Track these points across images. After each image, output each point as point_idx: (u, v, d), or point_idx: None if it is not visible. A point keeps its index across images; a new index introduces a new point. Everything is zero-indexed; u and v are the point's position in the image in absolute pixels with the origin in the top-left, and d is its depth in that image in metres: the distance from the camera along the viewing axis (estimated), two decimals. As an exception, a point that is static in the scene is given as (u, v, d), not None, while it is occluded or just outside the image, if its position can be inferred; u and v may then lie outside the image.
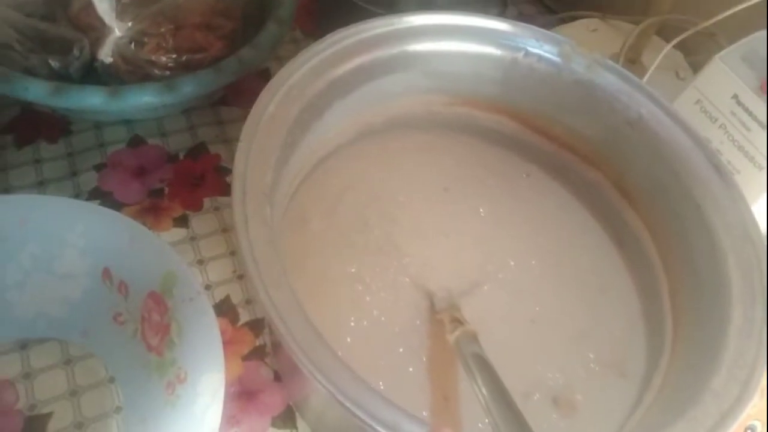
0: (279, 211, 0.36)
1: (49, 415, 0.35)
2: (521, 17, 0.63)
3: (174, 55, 0.40)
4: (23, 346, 0.37)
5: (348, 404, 0.25)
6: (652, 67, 0.45)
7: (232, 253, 0.42)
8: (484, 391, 0.30)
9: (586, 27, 0.54)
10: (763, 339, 0.29)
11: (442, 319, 0.35)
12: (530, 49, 0.39)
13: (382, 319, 0.36)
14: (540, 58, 0.39)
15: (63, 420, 0.35)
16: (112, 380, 0.37)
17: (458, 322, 0.35)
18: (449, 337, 0.34)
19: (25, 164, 0.44)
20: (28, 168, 0.44)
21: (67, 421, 0.35)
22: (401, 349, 0.36)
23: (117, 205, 0.43)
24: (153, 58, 0.40)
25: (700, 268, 0.34)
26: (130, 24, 0.39)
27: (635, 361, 0.36)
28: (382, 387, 0.34)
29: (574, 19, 0.57)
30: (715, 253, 0.33)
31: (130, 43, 0.40)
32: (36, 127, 0.46)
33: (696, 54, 0.51)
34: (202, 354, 0.32)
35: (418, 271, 0.38)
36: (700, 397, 0.28)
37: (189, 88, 0.40)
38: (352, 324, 0.36)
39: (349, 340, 0.35)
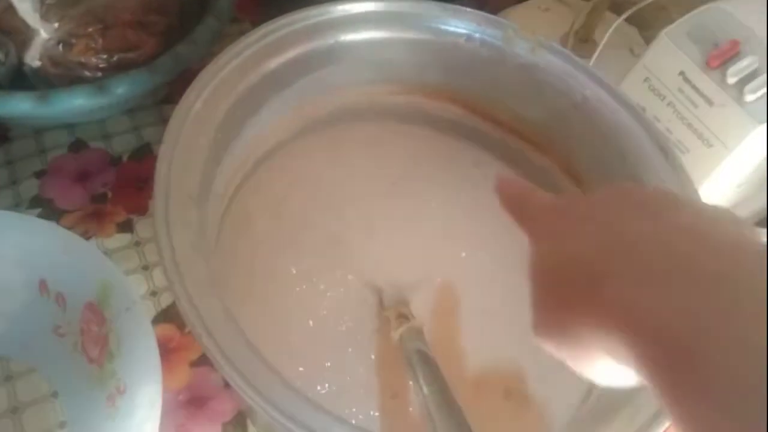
0: (216, 213, 0.35)
1: (-11, 435, 0.34)
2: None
3: (105, 56, 0.39)
4: (-40, 364, 0.36)
5: (277, 415, 0.24)
6: (601, 44, 0.44)
7: (180, 257, 0.41)
8: (424, 389, 0.29)
9: (538, 6, 0.53)
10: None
11: (389, 316, 0.34)
12: (473, 34, 0.38)
13: (329, 318, 0.35)
14: (483, 42, 0.38)
15: (5, 438, 0.34)
16: (55, 395, 0.36)
17: (404, 318, 0.34)
18: (393, 333, 0.33)
19: (-39, 175, 0.43)
20: (-35, 179, 0.43)
21: (9, 438, 0.34)
22: (350, 349, 0.35)
23: (58, 212, 0.42)
24: (83, 59, 0.38)
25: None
26: (56, 25, 0.38)
27: None
28: (326, 388, 0.33)
29: (529, -1, 0.56)
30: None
31: (58, 44, 0.38)
32: (-30, 135, 0.44)
33: (650, 29, 0.50)
34: (140, 365, 0.31)
35: (366, 267, 0.37)
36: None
37: (121, 88, 0.38)
38: (298, 325, 0.35)
39: (295, 340, 0.34)
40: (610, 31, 0.43)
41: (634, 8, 0.43)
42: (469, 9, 0.38)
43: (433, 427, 0.27)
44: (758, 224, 0.44)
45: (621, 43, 0.49)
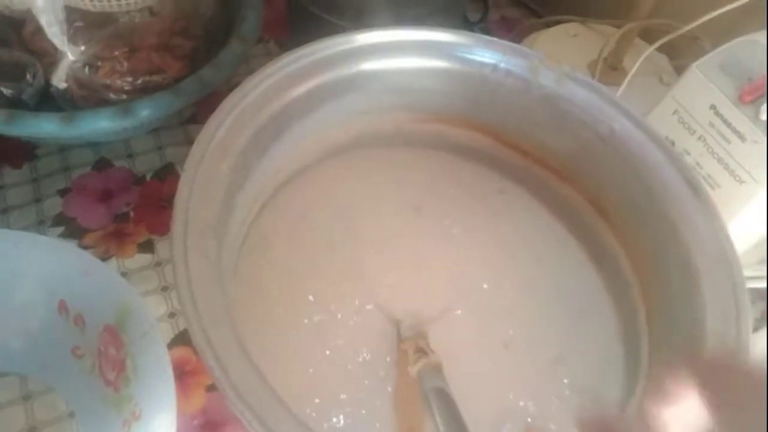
0: (236, 239, 0.35)
1: (6, 454, 0.34)
2: (503, 21, 0.62)
3: (130, 78, 0.39)
4: (-20, 381, 0.36)
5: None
6: (631, 73, 0.43)
7: (199, 279, 0.41)
8: (441, 429, 0.28)
9: (566, 32, 0.52)
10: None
11: (406, 349, 0.34)
12: (498, 63, 0.37)
13: (347, 348, 0.35)
14: (508, 72, 0.38)
15: (21, 458, 0.34)
16: (72, 415, 0.36)
17: (422, 352, 0.33)
18: (411, 369, 0.32)
19: (-12, 191, 0.44)
20: (-8, 195, 0.43)
21: (25, 458, 0.34)
22: (366, 381, 0.34)
23: (81, 231, 0.42)
24: (108, 81, 0.39)
25: (674, 289, 0.33)
26: (83, 48, 0.38)
27: (611, 386, 0.35)
28: (341, 421, 0.32)
29: (557, 23, 0.55)
30: (689, 273, 0.32)
31: (84, 67, 0.38)
32: (0, 152, 0.45)
33: (681, 58, 0.49)
34: (156, 392, 0.31)
35: (384, 296, 0.37)
36: None
37: (146, 111, 0.39)
38: (315, 355, 0.34)
39: (311, 371, 0.34)
40: (641, 60, 0.42)
41: (667, 38, 0.42)
42: (495, 39, 0.37)
43: None
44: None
45: (650, 71, 0.49)
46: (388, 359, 0.35)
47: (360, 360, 0.35)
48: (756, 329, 0.39)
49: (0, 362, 0.37)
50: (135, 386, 0.32)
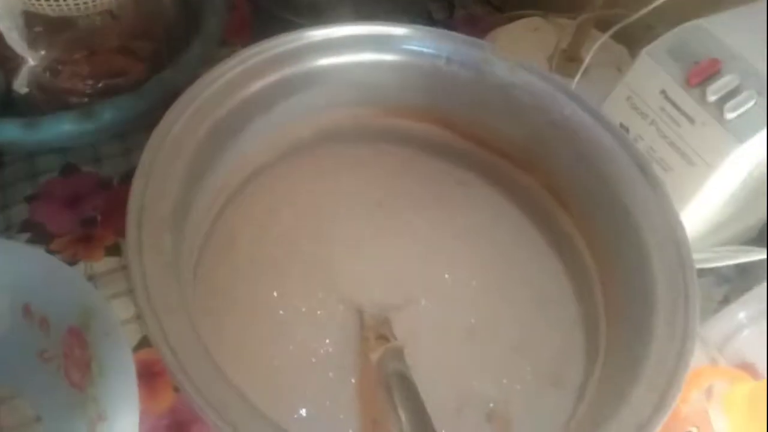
0: (195, 236, 0.35)
1: (-27, 460, 0.34)
2: (469, 18, 0.62)
3: (91, 81, 0.40)
4: (-54, 389, 0.36)
5: None
6: (586, 62, 0.44)
7: (167, 279, 0.41)
8: (402, 415, 0.29)
9: (526, 26, 0.53)
10: (686, 345, 0.28)
11: (368, 336, 0.34)
12: (451, 55, 0.38)
13: (310, 342, 0.35)
14: (462, 64, 0.38)
15: (-12, 463, 0.34)
16: (38, 419, 0.36)
17: (385, 339, 0.34)
18: (372, 355, 0.33)
19: (-47, 201, 0.44)
20: (-43, 204, 0.44)
21: (-7, 464, 0.34)
22: (330, 373, 0.35)
23: (48, 236, 0.43)
24: (70, 85, 0.39)
25: (629, 272, 0.33)
26: (43, 52, 0.38)
27: (572, 371, 0.35)
28: (305, 413, 0.33)
29: (519, 18, 0.56)
30: (641, 256, 0.32)
31: (45, 71, 0.39)
32: (-34, 160, 0.45)
33: (638, 48, 0.50)
34: (119, 392, 0.31)
35: (349, 289, 0.37)
36: (619, 410, 0.27)
37: (108, 114, 0.39)
38: (279, 349, 0.35)
39: (275, 363, 0.34)
40: (595, 48, 0.43)
41: (618, 26, 0.43)
42: (447, 31, 0.38)
43: None
44: (751, 243, 0.44)
45: (609, 62, 0.49)
46: (351, 351, 0.35)
47: (323, 352, 0.35)
48: (716, 311, 0.40)
49: (-35, 370, 0.37)
50: (100, 386, 0.33)
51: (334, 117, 0.41)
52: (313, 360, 0.35)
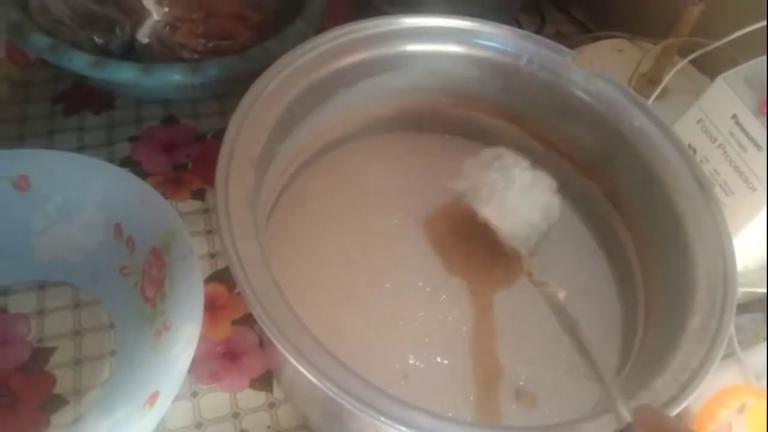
0: (273, 186, 0.38)
1: (53, 350, 0.39)
2: (558, 36, 0.64)
3: (203, 41, 0.44)
4: (41, 286, 0.41)
5: (288, 348, 0.26)
6: (662, 85, 0.45)
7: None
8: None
9: (612, 47, 0.55)
10: (714, 349, 0.29)
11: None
12: (533, 57, 0.40)
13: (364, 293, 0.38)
14: (542, 66, 0.40)
15: (64, 355, 0.39)
16: (112, 326, 0.40)
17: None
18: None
19: (69, 131, 0.49)
20: (72, 134, 0.49)
21: (68, 357, 0.39)
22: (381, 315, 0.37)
23: (144, 174, 0.47)
24: (184, 41, 0.44)
25: (673, 278, 0.35)
26: (166, 9, 0.43)
27: (606, 365, 0.36)
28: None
29: (607, 38, 0.57)
30: (687, 263, 0.34)
31: (165, 26, 0.44)
32: (84, 99, 0.51)
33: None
34: (185, 306, 0.35)
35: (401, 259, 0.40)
36: (639, 394, 0.28)
37: (214, 71, 0.43)
38: (332, 296, 0.38)
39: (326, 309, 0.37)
40: (673, 72, 0.44)
41: (698, 53, 0.44)
42: (531, 33, 0.40)
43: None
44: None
45: (688, 89, 0.50)
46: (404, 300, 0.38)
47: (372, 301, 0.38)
48: (754, 344, 0.40)
49: (58, 273, 0.41)
50: (169, 301, 0.36)
51: (413, 102, 0.44)
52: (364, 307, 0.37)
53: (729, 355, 0.39)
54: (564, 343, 0.37)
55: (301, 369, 0.26)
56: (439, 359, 0.36)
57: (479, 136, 0.45)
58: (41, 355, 0.39)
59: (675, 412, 0.27)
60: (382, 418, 0.25)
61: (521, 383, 0.36)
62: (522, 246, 0.37)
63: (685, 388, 0.28)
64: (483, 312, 0.38)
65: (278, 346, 0.26)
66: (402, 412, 0.25)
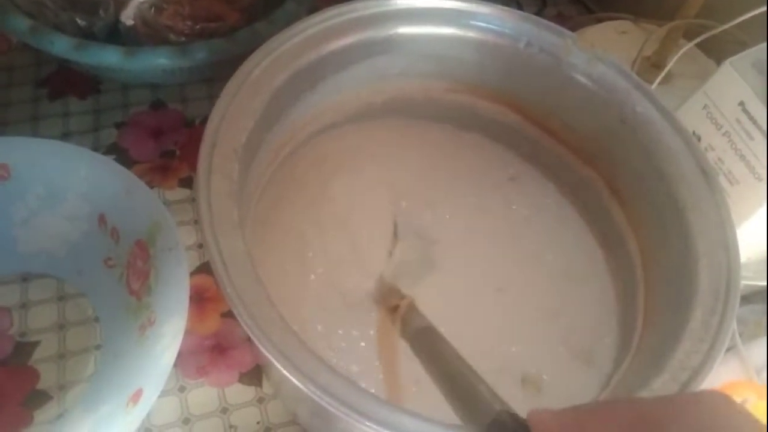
0: (260, 176, 0.37)
1: (36, 344, 0.38)
2: (559, 17, 0.62)
3: (190, 23, 0.43)
4: (24, 279, 0.40)
5: (271, 353, 0.25)
6: (666, 69, 0.43)
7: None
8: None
9: (615, 29, 0.53)
10: (716, 348, 0.28)
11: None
12: (532, 40, 0.39)
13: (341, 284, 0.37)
14: (541, 49, 0.39)
15: (48, 350, 0.38)
16: (96, 320, 0.39)
17: (396, 306, 0.34)
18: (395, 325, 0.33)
19: (54, 116, 0.48)
20: (57, 120, 0.48)
21: (52, 351, 0.38)
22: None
23: (131, 162, 0.46)
24: (170, 23, 0.42)
25: (674, 270, 0.33)
26: (151, -11, 0.42)
27: (603, 354, 0.36)
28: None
29: (609, 20, 0.56)
30: (689, 256, 0.32)
31: (151, 8, 0.42)
32: (69, 83, 0.49)
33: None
34: (171, 300, 0.34)
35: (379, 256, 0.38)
36: (639, 394, 0.27)
37: (201, 54, 0.42)
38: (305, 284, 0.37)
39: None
40: (678, 55, 0.43)
41: (704, 36, 0.43)
42: (530, 15, 0.38)
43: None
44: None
45: (693, 74, 0.49)
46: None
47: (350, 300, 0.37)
48: (756, 336, 0.39)
49: (42, 265, 0.40)
50: (154, 295, 0.35)
51: (406, 87, 0.42)
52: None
53: (730, 347, 0.38)
54: (560, 323, 0.37)
55: (285, 372, 0.24)
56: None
57: (475, 122, 0.43)
58: (24, 349, 0.38)
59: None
60: (368, 423, 0.24)
61: (525, 369, 0.35)
62: None
63: (685, 388, 0.27)
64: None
65: (260, 347, 0.25)
66: (389, 415, 0.24)
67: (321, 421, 0.32)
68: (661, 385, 0.27)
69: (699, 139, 0.39)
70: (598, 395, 0.34)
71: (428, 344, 0.31)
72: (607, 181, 0.39)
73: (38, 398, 0.36)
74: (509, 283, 0.38)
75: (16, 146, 0.39)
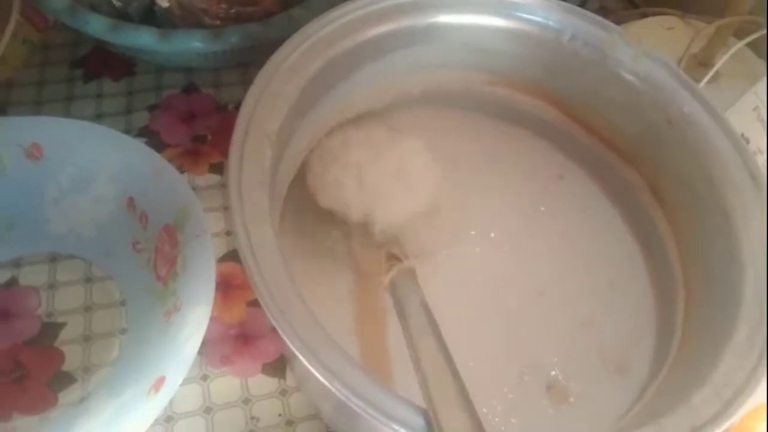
0: (293, 163, 0.36)
1: (62, 325, 0.38)
2: (602, 11, 0.60)
3: (225, 6, 0.42)
4: (53, 259, 0.40)
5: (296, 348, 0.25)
6: (715, 68, 0.42)
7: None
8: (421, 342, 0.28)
9: (661, 24, 0.51)
10: (762, 366, 0.27)
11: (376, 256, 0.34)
12: (576, 33, 0.37)
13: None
14: (586, 43, 0.37)
15: (74, 331, 0.38)
16: (123, 303, 0.39)
17: (395, 258, 0.33)
18: (383, 278, 0.32)
19: (88, 97, 0.48)
20: (90, 101, 0.47)
21: (77, 333, 0.38)
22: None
23: (162, 145, 0.46)
24: (205, 6, 0.42)
25: (717, 280, 0.32)
26: (187, -28, 0.41)
27: (638, 364, 0.35)
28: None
29: (655, 15, 0.54)
30: (734, 265, 0.31)
31: (187, -10, 0.41)
32: (104, 64, 0.49)
33: (780, 63, 0.47)
34: (197, 287, 0.34)
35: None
36: (677, 409, 0.26)
37: (235, 38, 0.41)
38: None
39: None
40: (728, 55, 0.41)
41: (756, 34, 0.41)
42: (575, 7, 0.37)
43: (426, 389, 0.25)
44: None
45: (742, 73, 0.46)
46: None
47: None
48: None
49: (70, 246, 0.40)
50: (181, 281, 0.35)
51: (444, 77, 0.41)
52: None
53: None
54: (595, 331, 0.36)
55: (309, 367, 0.24)
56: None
57: (515, 117, 0.42)
58: (51, 330, 0.38)
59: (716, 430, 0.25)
60: (394, 425, 0.23)
61: (552, 374, 0.34)
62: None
63: (729, 405, 0.26)
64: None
65: (286, 340, 0.24)
66: (417, 419, 0.24)
67: (345, 418, 0.31)
68: (702, 400, 0.26)
69: (748, 141, 0.38)
70: (630, 407, 0.32)
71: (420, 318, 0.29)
72: (649, 183, 0.38)
73: (63, 380, 0.36)
74: (552, 286, 0.37)
75: (49, 126, 0.39)
